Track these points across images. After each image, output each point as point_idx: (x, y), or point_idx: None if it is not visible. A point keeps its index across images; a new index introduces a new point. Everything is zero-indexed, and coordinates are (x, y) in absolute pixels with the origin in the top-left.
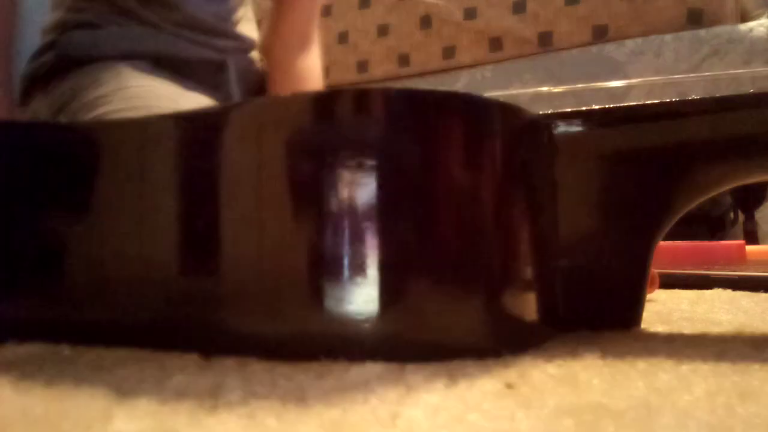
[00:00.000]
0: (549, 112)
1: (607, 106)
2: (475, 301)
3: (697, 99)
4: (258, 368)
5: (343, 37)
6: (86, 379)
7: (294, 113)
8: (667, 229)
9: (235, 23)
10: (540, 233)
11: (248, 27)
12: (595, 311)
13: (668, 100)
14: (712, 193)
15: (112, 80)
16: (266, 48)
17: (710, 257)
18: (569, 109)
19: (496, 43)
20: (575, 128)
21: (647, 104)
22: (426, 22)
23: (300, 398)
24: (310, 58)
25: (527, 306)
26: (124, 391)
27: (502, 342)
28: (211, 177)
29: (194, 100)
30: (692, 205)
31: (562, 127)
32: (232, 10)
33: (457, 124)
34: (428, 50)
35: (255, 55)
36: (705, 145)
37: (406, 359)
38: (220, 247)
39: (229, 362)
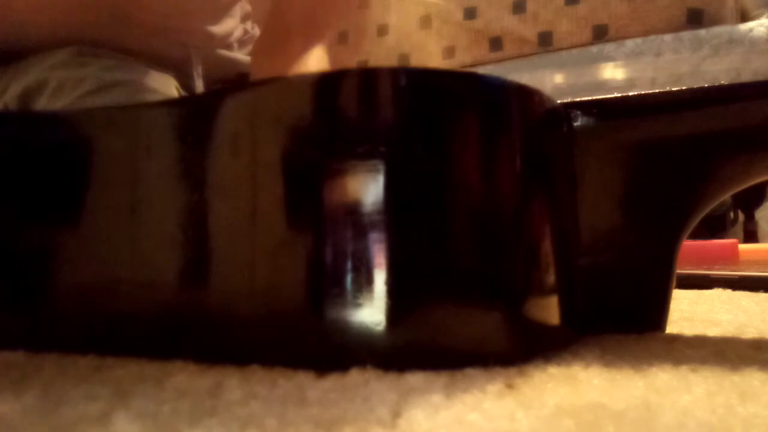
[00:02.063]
0: (568, 100)
1: (630, 93)
2: (496, 307)
3: (728, 85)
4: (258, 368)
5: (343, 37)
6: (86, 379)
7: (291, 97)
8: (693, 224)
9: (207, 19)
10: (561, 231)
11: (230, 22)
12: (618, 313)
13: (698, 86)
14: (744, 185)
15: (92, 75)
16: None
17: (703, 256)
18: (590, 98)
19: (496, 43)
20: (596, 118)
21: (673, 91)
22: (426, 22)
23: (300, 398)
24: (313, 53)
25: (550, 309)
26: (124, 391)
27: (525, 349)
28: (199, 172)
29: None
30: (721, 199)
31: (582, 117)
32: (201, 6)
33: (476, 109)
34: (428, 50)
35: (233, 51)
36: (735, 134)
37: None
38: (210, 251)
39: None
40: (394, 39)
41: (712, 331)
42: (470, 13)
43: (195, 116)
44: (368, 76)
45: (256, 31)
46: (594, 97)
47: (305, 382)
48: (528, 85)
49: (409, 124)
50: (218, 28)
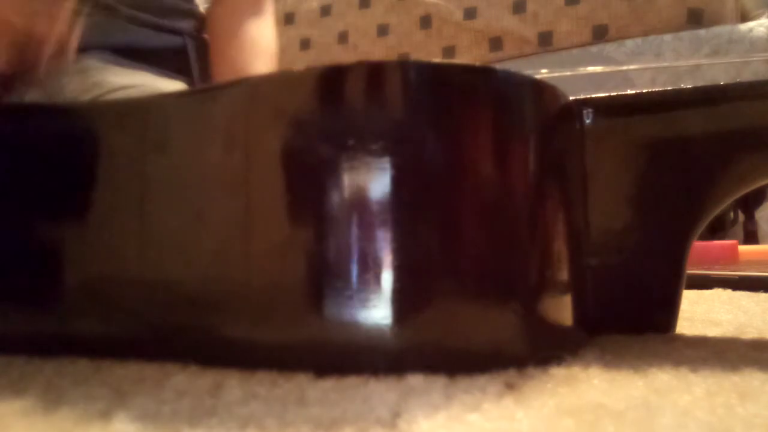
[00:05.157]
0: (580, 96)
1: (643, 90)
2: (508, 307)
3: (738, 83)
4: (258, 368)
5: (343, 37)
6: (86, 379)
7: (294, 93)
8: (705, 224)
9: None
10: (572, 231)
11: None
12: (628, 314)
13: (709, 84)
14: (756, 185)
15: (92, 75)
16: (211, 12)
17: (703, 257)
18: (602, 94)
19: (496, 43)
20: (608, 115)
21: (686, 89)
22: (426, 22)
23: (300, 398)
24: (263, 26)
25: (562, 309)
26: (124, 391)
27: (538, 350)
28: (195, 169)
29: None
30: (733, 198)
31: (593, 114)
32: None
33: (490, 104)
34: (428, 50)
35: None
36: (748, 133)
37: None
38: (208, 250)
39: None
40: (394, 39)
41: (712, 331)
42: (470, 13)
43: (194, 109)
44: (376, 70)
45: None
46: (606, 94)
47: (305, 382)
48: (543, 80)
49: (419, 120)
50: (195, 7)
